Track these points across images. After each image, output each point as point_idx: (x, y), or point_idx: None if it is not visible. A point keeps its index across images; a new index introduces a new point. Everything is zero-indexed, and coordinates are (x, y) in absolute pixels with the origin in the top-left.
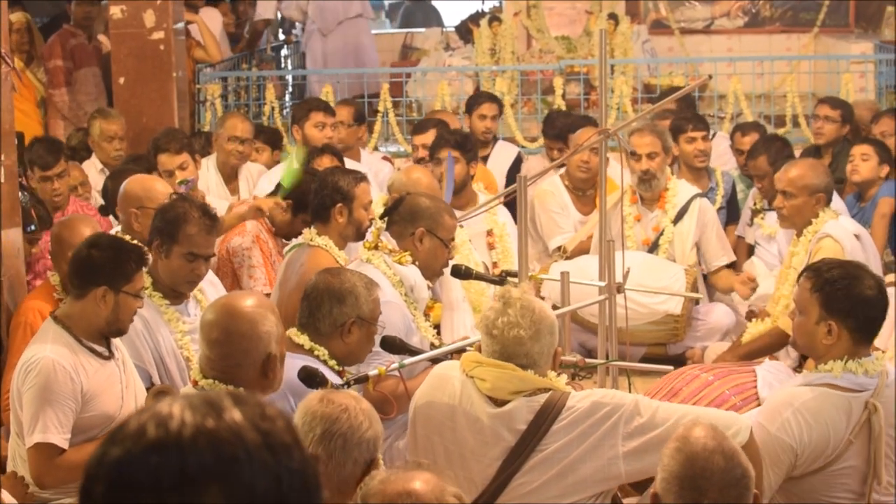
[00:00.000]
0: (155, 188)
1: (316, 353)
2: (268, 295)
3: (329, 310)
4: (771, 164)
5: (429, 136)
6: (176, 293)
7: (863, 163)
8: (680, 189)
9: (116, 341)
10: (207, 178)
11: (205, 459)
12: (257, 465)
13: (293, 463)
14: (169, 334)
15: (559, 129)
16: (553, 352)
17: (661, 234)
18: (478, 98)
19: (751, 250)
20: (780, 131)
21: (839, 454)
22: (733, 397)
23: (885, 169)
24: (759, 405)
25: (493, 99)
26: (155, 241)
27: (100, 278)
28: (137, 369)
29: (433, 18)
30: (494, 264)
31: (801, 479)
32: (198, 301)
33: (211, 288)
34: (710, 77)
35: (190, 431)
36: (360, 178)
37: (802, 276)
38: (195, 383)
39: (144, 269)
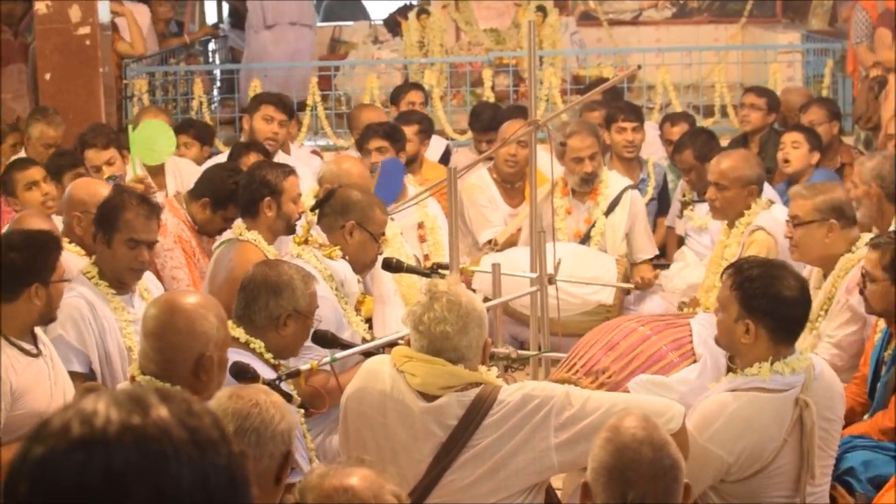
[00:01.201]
0: (99, 192)
1: (252, 345)
2: None
3: (265, 302)
4: (696, 157)
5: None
6: (121, 284)
7: (794, 150)
8: (612, 181)
9: (44, 338)
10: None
11: (130, 457)
12: (184, 462)
13: (220, 459)
14: (114, 321)
15: (487, 121)
16: (483, 344)
17: (593, 226)
18: (403, 88)
19: (681, 241)
20: (709, 121)
21: (775, 456)
22: (670, 353)
23: (816, 156)
24: (694, 361)
25: (419, 87)
26: (98, 233)
27: (29, 277)
28: (78, 354)
29: (359, 12)
30: (426, 257)
31: (739, 483)
32: (143, 299)
33: (157, 291)
34: (639, 67)
35: (115, 428)
36: (289, 171)
37: (725, 273)
38: (132, 379)
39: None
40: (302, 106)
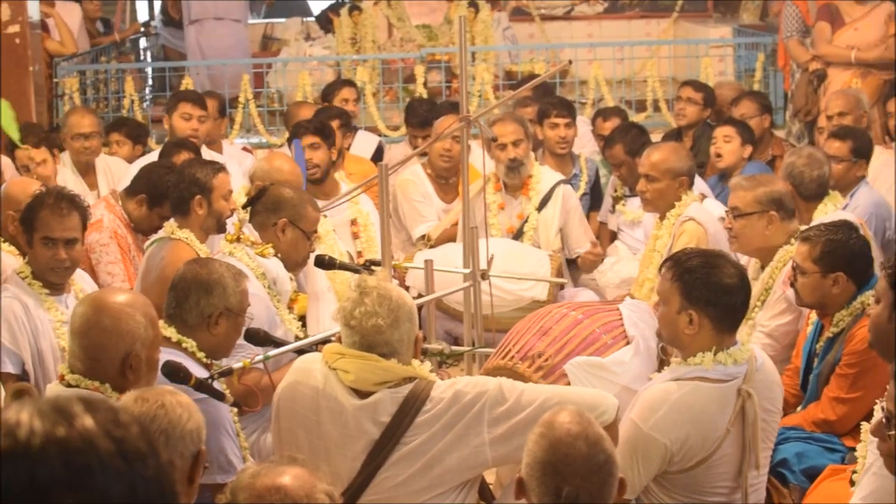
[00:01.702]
0: (33, 191)
1: (184, 345)
2: None
3: (196, 301)
4: (627, 152)
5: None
6: (51, 284)
7: (726, 144)
8: (543, 176)
9: None
10: (64, 175)
11: (55, 470)
12: (111, 474)
13: (148, 471)
14: (47, 322)
15: (422, 117)
16: (414, 338)
17: (526, 221)
18: (335, 85)
19: (614, 236)
20: (641, 116)
21: (718, 446)
22: (604, 336)
23: (748, 149)
24: (627, 343)
25: (351, 84)
26: (24, 235)
27: None
28: (11, 355)
29: (297, 10)
30: (359, 253)
31: (682, 474)
32: (77, 299)
33: (89, 289)
34: (571, 63)
35: (39, 441)
36: (218, 168)
37: (664, 266)
38: (62, 378)
39: None
40: (234, 103)
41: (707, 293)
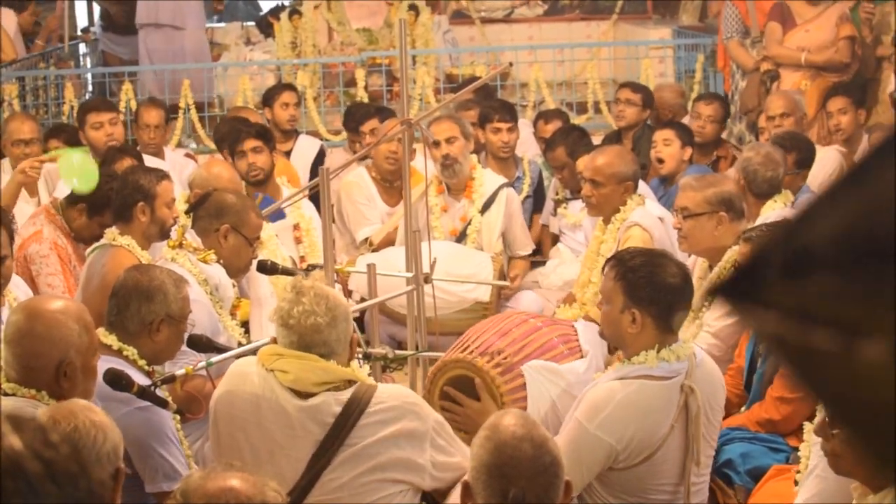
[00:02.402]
0: None
1: (125, 352)
2: None
3: (137, 308)
4: (569, 154)
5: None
6: None
7: (665, 148)
8: (486, 178)
9: None
10: (3, 181)
11: None
12: (40, 498)
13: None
14: None
15: (361, 121)
16: (350, 339)
17: (469, 223)
18: (276, 89)
19: (556, 238)
20: (582, 118)
21: (662, 443)
22: (561, 345)
23: (688, 151)
24: (581, 357)
25: (292, 88)
26: None
27: None
28: None
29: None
30: (302, 258)
31: (626, 471)
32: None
33: (24, 297)
34: (511, 65)
35: None
36: (162, 175)
37: (607, 265)
38: None
39: None
40: (175, 109)
41: (650, 292)
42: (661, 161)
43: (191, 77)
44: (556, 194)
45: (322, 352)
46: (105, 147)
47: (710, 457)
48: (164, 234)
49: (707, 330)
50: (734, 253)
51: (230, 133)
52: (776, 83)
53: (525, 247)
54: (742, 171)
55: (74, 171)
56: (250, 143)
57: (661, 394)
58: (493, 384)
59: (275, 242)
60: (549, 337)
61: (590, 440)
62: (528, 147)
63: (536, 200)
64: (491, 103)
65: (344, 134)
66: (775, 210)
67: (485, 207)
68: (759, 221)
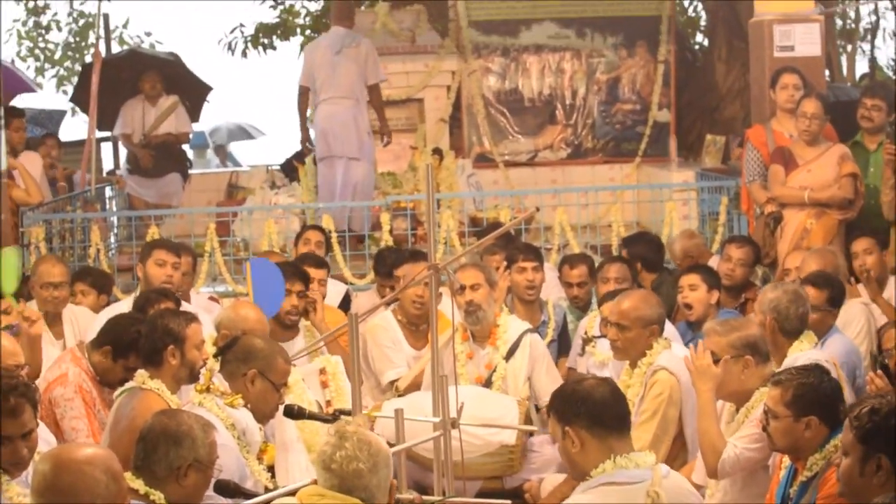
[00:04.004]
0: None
1: (152, 497)
2: None
3: (165, 452)
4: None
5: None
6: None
7: (692, 293)
8: (510, 325)
9: None
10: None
11: None
12: None
13: None
14: None
15: (390, 266)
16: (389, 486)
17: (494, 371)
18: (304, 230)
19: None
20: None
21: None
22: None
23: (715, 295)
24: None
25: (319, 228)
26: None
27: None
28: None
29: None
30: (328, 403)
31: None
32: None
33: (46, 446)
34: (538, 209)
35: None
36: (191, 318)
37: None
38: None
39: None
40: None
41: (575, 407)
42: (689, 307)
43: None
44: (585, 333)
45: (363, 496)
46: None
47: None
48: (194, 377)
49: (734, 447)
50: (762, 395)
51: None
52: (780, 226)
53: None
54: (772, 310)
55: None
56: (298, 286)
57: (623, 497)
58: None
59: (301, 387)
60: None
61: None
62: (552, 291)
63: (561, 344)
64: (516, 245)
65: (369, 278)
66: (803, 351)
67: (509, 354)
68: (786, 363)
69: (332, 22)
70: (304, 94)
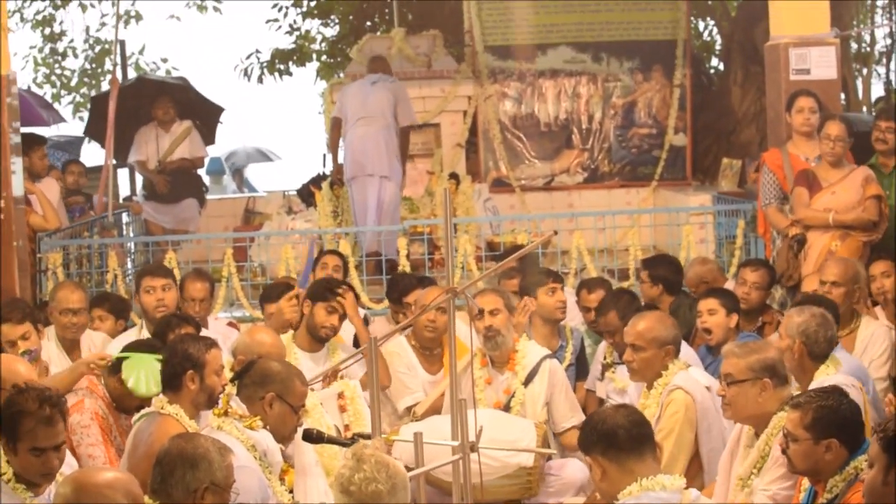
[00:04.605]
0: (18, 370)
1: None
2: None
3: (182, 475)
4: (621, 318)
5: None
6: (37, 485)
7: (710, 317)
8: (529, 350)
9: None
10: (49, 350)
11: None
12: None
13: None
14: None
15: (403, 291)
16: None
17: (513, 396)
18: (321, 255)
19: (601, 403)
20: (624, 284)
21: None
22: None
23: (734, 318)
24: None
25: (338, 253)
26: (2, 440)
27: None
28: None
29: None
30: (346, 427)
31: None
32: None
33: (67, 469)
34: (556, 233)
35: None
36: (211, 344)
37: None
38: None
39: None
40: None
41: (594, 437)
42: (708, 331)
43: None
44: (605, 358)
45: None
46: (155, 312)
47: None
48: (212, 402)
49: (763, 493)
50: (781, 419)
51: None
52: (805, 247)
53: (569, 419)
54: (801, 334)
55: (142, 376)
56: (332, 304)
57: None
58: None
59: (319, 411)
60: None
61: None
62: (570, 315)
63: (579, 368)
64: (538, 270)
65: (385, 302)
66: (828, 376)
67: (528, 379)
68: (813, 385)
69: (368, 70)
70: (336, 125)
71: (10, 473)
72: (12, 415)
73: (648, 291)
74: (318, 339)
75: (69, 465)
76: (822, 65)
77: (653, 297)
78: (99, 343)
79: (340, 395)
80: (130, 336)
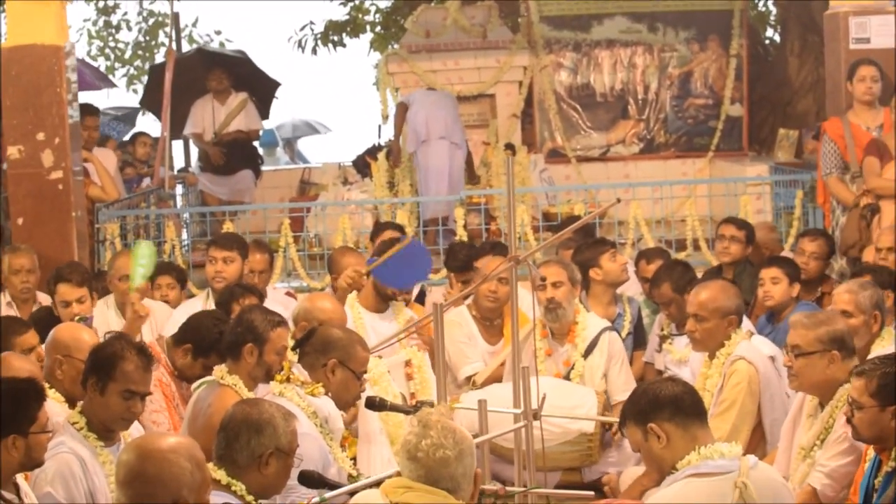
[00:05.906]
0: (83, 338)
1: (233, 488)
2: None
3: (247, 440)
4: (674, 290)
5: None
6: (109, 432)
7: (774, 286)
8: (589, 322)
9: (27, 489)
10: (107, 318)
11: None
12: None
13: None
14: (104, 477)
15: (461, 260)
16: (473, 475)
17: (572, 368)
18: (380, 227)
19: (660, 375)
20: (681, 255)
21: None
22: None
23: (797, 288)
24: None
25: (397, 226)
26: (90, 380)
27: (5, 429)
28: None
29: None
30: (412, 395)
31: None
32: None
33: (135, 432)
34: (619, 200)
35: None
36: (278, 322)
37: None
38: None
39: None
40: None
41: (655, 405)
42: (769, 296)
43: (290, 216)
44: (662, 329)
45: (448, 486)
46: (213, 282)
47: None
48: (269, 378)
49: (820, 469)
50: (846, 390)
51: None
52: (877, 216)
53: (623, 392)
54: (876, 306)
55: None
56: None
57: (710, 490)
58: None
59: (386, 379)
60: None
61: None
62: (629, 285)
63: (637, 338)
64: (593, 239)
65: (443, 272)
66: (883, 347)
67: (587, 352)
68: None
69: None
70: (401, 110)
71: (82, 422)
72: (109, 356)
73: (736, 252)
74: (384, 299)
75: (136, 429)
76: (882, 33)
77: (738, 257)
78: (158, 312)
79: (408, 364)
80: (195, 306)
